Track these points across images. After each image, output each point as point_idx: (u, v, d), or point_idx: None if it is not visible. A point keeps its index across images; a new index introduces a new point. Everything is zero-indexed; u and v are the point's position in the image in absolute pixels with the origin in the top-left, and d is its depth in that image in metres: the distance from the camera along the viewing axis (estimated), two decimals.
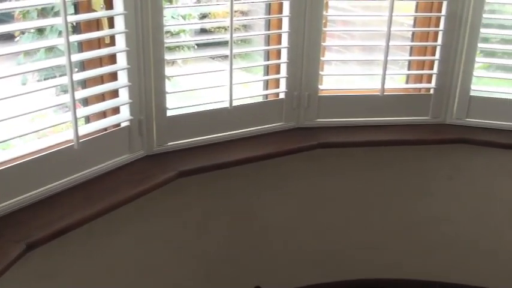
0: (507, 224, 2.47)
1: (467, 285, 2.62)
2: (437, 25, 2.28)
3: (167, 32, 2.11)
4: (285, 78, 2.21)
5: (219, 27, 2.61)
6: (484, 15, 2.20)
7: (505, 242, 2.51)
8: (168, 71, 2.00)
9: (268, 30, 2.21)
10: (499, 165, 2.38)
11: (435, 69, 2.31)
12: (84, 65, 1.85)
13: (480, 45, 2.25)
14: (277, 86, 2.26)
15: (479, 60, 2.28)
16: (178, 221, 2.18)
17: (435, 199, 2.49)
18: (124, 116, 1.93)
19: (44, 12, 2.02)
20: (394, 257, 2.62)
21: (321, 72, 2.24)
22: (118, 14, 1.80)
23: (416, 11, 2.32)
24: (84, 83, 1.85)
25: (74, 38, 1.75)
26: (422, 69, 2.38)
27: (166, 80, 1.99)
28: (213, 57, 2.35)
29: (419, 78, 2.40)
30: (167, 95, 1.99)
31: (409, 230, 2.56)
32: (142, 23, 1.84)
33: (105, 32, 1.83)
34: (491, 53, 2.36)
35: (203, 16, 2.65)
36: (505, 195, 2.43)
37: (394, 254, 2.61)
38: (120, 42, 1.84)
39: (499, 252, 2.54)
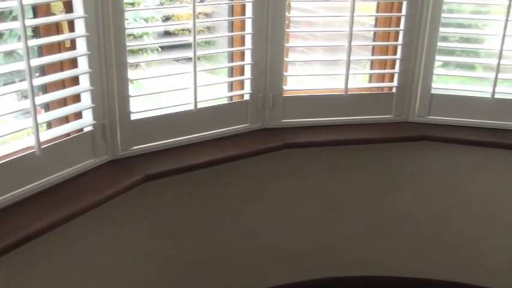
0: (469, 219, 2.53)
1: (432, 280, 2.67)
2: (398, 25, 2.32)
3: (130, 34, 2.09)
4: (249, 80, 2.22)
5: (183, 30, 2.60)
6: (443, 15, 2.25)
7: (468, 236, 2.57)
8: (132, 74, 1.98)
9: (232, 32, 2.21)
10: (460, 161, 2.44)
11: (397, 68, 2.35)
12: (44, 70, 1.81)
13: (439, 44, 2.30)
14: (242, 88, 2.26)
15: (439, 58, 2.33)
16: (146, 225, 2.16)
17: (400, 196, 2.53)
18: (87, 121, 1.90)
19: (2, 16, 1.98)
20: (363, 254, 2.65)
21: (285, 73, 2.26)
22: (78, 18, 1.77)
23: (377, 11, 2.36)
24: (45, 88, 1.82)
25: (33, 42, 1.72)
26: (385, 68, 2.42)
27: (130, 84, 1.98)
28: (177, 60, 2.34)
29: (381, 78, 2.44)
30: (131, 99, 1.97)
31: (376, 226, 2.59)
32: (103, 26, 1.82)
33: (65, 35, 1.80)
34: (450, 52, 2.41)
35: (166, 18, 2.63)
36: (466, 190, 2.49)
37: (363, 251, 2.65)
38: (81, 46, 1.81)
39: (463, 246, 2.59)
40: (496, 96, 2.31)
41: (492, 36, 2.37)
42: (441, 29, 2.27)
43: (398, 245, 2.63)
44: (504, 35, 2.19)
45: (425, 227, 2.58)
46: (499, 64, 2.24)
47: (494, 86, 2.29)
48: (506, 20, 2.18)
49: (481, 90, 2.39)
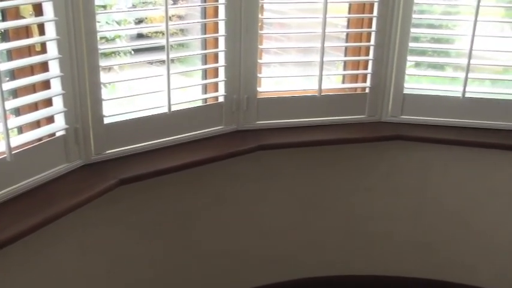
0: (440, 217, 2.57)
1: (408, 277, 2.70)
2: (370, 26, 2.34)
3: (102, 37, 2.07)
4: (223, 82, 2.22)
5: (156, 32, 2.58)
6: (414, 16, 2.28)
7: (439, 234, 2.60)
8: (105, 77, 1.96)
9: (205, 34, 2.21)
10: (433, 159, 2.47)
11: (369, 69, 2.37)
12: (14, 74, 1.78)
13: (411, 44, 2.33)
14: (216, 90, 2.26)
15: (411, 59, 2.37)
16: (121, 229, 2.14)
17: (375, 195, 2.55)
18: (59, 125, 1.88)
19: None
20: (339, 254, 2.67)
21: (259, 75, 2.26)
22: (48, 21, 1.75)
23: (349, 13, 2.38)
24: (15, 93, 1.79)
25: (3, 46, 1.70)
26: (357, 69, 2.45)
27: (103, 87, 1.96)
28: (151, 62, 2.32)
29: (355, 78, 2.46)
30: (104, 102, 1.95)
31: (351, 226, 2.61)
32: (74, 29, 1.80)
33: (35, 39, 1.78)
34: (422, 52, 2.44)
35: (139, 21, 2.61)
36: (439, 188, 2.52)
37: (339, 251, 2.66)
38: (52, 50, 1.79)
39: (437, 243, 2.63)
40: (467, 95, 2.35)
41: (462, 37, 2.41)
42: (412, 30, 2.30)
43: (374, 244, 2.66)
44: (473, 35, 2.23)
45: (400, 226, 2.61)
46: (469, 64, 2.28)
47: (465, 85, 2.32)
48: (475, 21, 2.21)
49: (452, 89, 2.43)
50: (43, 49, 1.80)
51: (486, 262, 2.61)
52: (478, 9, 2.20)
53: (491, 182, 2.46)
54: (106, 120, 1.98)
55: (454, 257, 2.63)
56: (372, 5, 2.30)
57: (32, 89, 1.82)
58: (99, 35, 1.89)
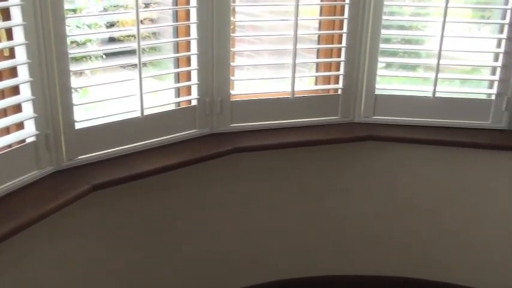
0: (414, 215, 2.60)
1: (383, 276, 2.73)
2: (341, 28, 2.36)
3: (73, 42, 2.04)
4: (196, 85, 2.21)
5: (128, 36, 2.56)
6: (384, 17, 2.31)
7: (413, 233, 2.63)
8: (76, 82, 1.94)
9: (177, 37, 2.20)
10: (406, 159, 2.50)
11: (341, 70, 2.39)
12: None
13: (382, 45, 2.36)
14: (189, 93, 2.25)
15: (382, 60, 2.39)
16: (95, 235, 2.12)
17: (349, 195, 2.57)
18: (29, 131, 1.85)
19: None
20: (314, 255, 2.68)
21: (231, 78, 2.26)
22: (16, 25, 1.72)
23: (320, 15, 2.40)
24: None
25: None
26: (330, 70, 2.47)
27: (74, 92, 1.94)
28: (124, 66, 2.30)
29: (327, 80, 2.48)
30: (75, 107, 1.93)
31: (326, 227, 2.63)
32: (43, 33, 1.78)
33: (3, 44, 1.74)
34: (393, 53, 2.48)
35: (111, 25, 2.58)
36: (411, 187, 2.55)
37: (314, 252, 2.68)
38: (21, 55, 1.76)
39: (411, 242, 2.66)
40: (437, 95, 2.39)
41: (431, 37, 2.45)
42: (383, 31, 2.33)
43: (349, 244, 2.68)
44: (442, 36, 2.27)
45: (374, 225, 2.63)
46: (438, 64, 2.32)
47: (435, 85, 2.36)
48: (444, 22, 2.25)
49: (423, 90, 2.46)
50: (11, 54, 1.77)
51: (459, 259, 2.65)
52: (446, 10, 2.24)
53: (462, 180, 2.50)
54: (77, 126, 1.96)
55: (428, 255, 2.67)
56: (342, 7, 2.33)
57: (1, 94, 1.79)
58: (69, 39, 1.87)
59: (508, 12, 2.28)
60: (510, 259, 2.58)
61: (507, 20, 2.29)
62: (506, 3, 2.29)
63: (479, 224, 2.56)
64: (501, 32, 2.35)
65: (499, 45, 2.37)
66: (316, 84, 2.51)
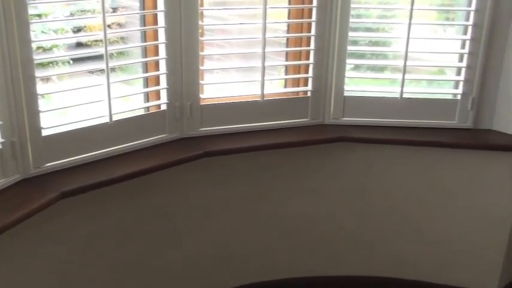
0: (384, 215, 2.63)
1: (351, 276, 2.75)
2: (309, 30, 2.38)
3: (39, 47, 2.01)
4: (165, 89, 2.20)
5: (96, 41, 2.53)
6: (351, 20, 2.34)
7: (382, 232, 2.66)
8: (43, 88, 1.91)
9: (145, 41, 2.19)
10: (375, 159, 2.53)
11: (310, 73, 2.41)
12: None
13: (349, 48, 2.38)
14: (158, 98, 2.24)
15: (350, 62, 2.42)
16: (65, 243, 2.09)
17: (321, 196, 2.59)
18: None
19: None
20: (287, 257, 2.69)
21: (201, 82, 2.26)
22: None
23: (288, 18, 2.41)
24: None
25: None
26: (299, 73, 2.48)
27: (41, 98, 1.90)
28: (92, 72, 2.28)
29: (296, 82, 2.49)
30: (41, 114, 1.90)
31: (299, 229, 2.64)
32: (7, 39, 1.75)
33: None
34: (361, 55, 2.50)
35: (78, 30, 2.55)
36: (380, 187, 2.58)
37: (287, 254, 2.68)
38: None
39: (377, 242, 2.68)
40: (404, 96, 2.43)
41: (398, 39, 2.49)
42: (350, 34, 2.36)
43: (321, 245, 2.69)
44: (408, 38, 2.31)
45: (346, 226, 2.66)
46: (405, 65, 2.35)
47: (402, 86, 2.40)
48: (410, 24, 2.29)
49: (391, 91, 2.49)
50: None
51: (427, 257, 2.69)
52: (411, 12, 2.28)
53: (429, 178, 2.54)
54: (44, 132, 1.93)
55: (397, 253, 2.70)
56: (310, 10, 2.34)
57: None
58: (35, 44, 1.84)
59: (471, 13, 2.33)
60: (475, 255, 2.63)
61: (471, 22, 2.34)
62: (469, 5, 2.34)
63: (446, 222, 2.60)
64: (465, 33, 2.40)
65: (463, 46, 2.42)
66: (285, 87, 2.52)
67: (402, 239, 2.67)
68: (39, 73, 1.87)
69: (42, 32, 2.24)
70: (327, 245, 2.69)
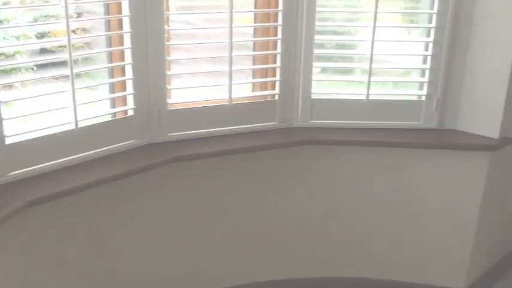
0: (353, 216, 2.65)
1: (322, 278, 2.76)
2: (276, 34, 2.39)
3: (1, 54, 1.98)
4: (132, 95, 2.18)
5: (60, 46, 2.49)
6: (317, 23, 2.36)
7: (354, 233, 2.69)
8: (5, 95, 1.87)
9: (110, 47, 2.17)
10: (342, 161, 2.54)
11: (278, 76, 2.42)
12: None
13: (316, 51, 2.40)
14: (125, 104, 2.22)
15: (317, 65, 2.44)
16: (32, 254, 2.04)
17: (290, 199, 2.60)
18: None
19: None
20: (258, 260, 2.69)
21: (168, 87, 2.24)
22: None
23: (255, 22, 2.42)
24: None
25: None
26: (266, 77, 2.49)
27: (4, 106, 1.87)
28: (57, 78, 2.24)
29: (264, 86, 2.50)
30: (4, 122, 1.86)
31: (269, 232, 2.64)
32: None
33: None
34: (328, 58, 2.53)
35: (42, 35, 2.51)
36: (350, 189, 2.60)
37: (258, 257, 2.68)
38: None
39: (348, 243, 2.71)
40: (371, 97, 2.46)
41: (364, 42, 2.51)
42: (316, 37, 2.38)
43: (291, 247, 2.70)
44: (373, 40, 2.34)
45: (316, 227, 2.67)
46: (371, 68, 2.39)
47: (368, 88, 2.43)
48: (374, 26, 2.32)
49: (357, 93, 2.52)
50: None
51: (396, 256, 2.72)
52: (376, 15, 2.31)
53: (397, 178, 2.57)
54: (8, 141, 1.89)
55: (367, 253, 2.72)
56: (276, 14, 2.36)
57: None
58: None
59: (434, 16, 2.38)
60: (443, 253, 2.67)
61: (433, 24, 2.38)
62: (432, 7, 2.39)
63: (414, 221, 2.64)
64: (428, 35, 2.44)
65: (427, 49, 2.46)
66: (253, 91, 2.53)
67: (372, 240, 2.69)
68: (1, 80, 1.84)
69: (4, 38, 2.20)
70: (296, 248, 2.70)
